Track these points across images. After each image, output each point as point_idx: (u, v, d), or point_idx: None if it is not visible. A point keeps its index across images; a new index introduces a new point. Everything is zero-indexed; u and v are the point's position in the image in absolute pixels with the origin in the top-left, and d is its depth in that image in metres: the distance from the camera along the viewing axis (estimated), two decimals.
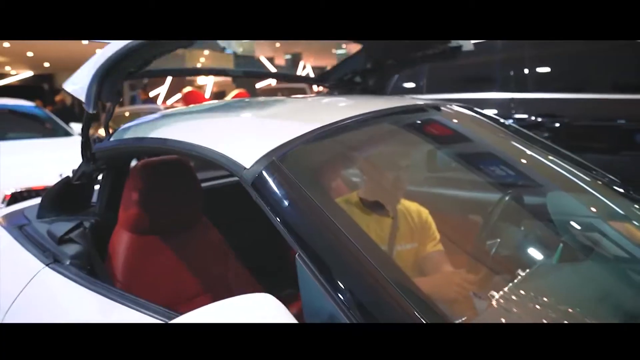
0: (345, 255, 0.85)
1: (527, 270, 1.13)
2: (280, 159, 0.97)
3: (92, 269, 1.29)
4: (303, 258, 0.84)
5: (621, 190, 1.45)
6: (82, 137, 1.45)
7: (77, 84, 1.32)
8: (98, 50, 1.34)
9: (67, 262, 1.26)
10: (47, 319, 1.18)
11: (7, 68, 17.32)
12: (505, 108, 3.28)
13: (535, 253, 1.33)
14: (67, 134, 5.18)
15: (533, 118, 3.18)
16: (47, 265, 1.26)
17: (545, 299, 1.01)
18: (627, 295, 1.07)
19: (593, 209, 1.41)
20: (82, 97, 1.28)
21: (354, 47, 1.87)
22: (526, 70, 3.28)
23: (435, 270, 1.36)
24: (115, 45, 1.21)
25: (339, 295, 0.80)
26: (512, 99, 3.27)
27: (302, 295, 0.85)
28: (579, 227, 1.35)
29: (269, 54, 15.35)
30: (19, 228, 1.46)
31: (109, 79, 1.24)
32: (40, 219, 1.53)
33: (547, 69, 3.35)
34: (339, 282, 0.82)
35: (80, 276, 1.21)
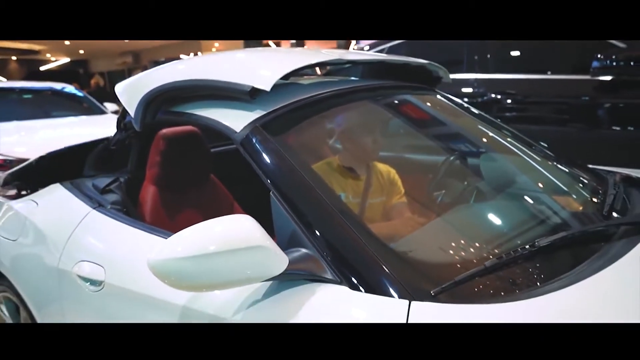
0: (306, 193, 1.02)
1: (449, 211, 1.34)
2: (262, 125, 1.13)
3: (127, 212, 1.46)
4: (275, 195, 1.02)
5: (546, 156, 1.57)
6: (120, 113, 1.61)
7: (127, 96, 1.35)
8: (151, 72, 1.35)
9: (108, 207, 1.43)
10: (95, 248, 1.36)
11: (48, 55, 17.29)
12: (470, 87, 3.42)
13: (466, 199, 1.51)
14: (102, 112, 5.23)
15: (493, 95, 3.33)
16: (93, 208, 1.44)
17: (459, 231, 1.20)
18: (518, 220, 1.24)
19: (514, 166, 1.57)
20: (128, 108, 1.34)
21: None
22: (488, 55, 3.40)
23: (399, 217, 1.50)
24: (163, 77, 1.26)
25: (299, 219, 0.98)
26: (476, 79, 3.41)
27: (274, 220, 1.03)
28: (499, 179, 1.53)
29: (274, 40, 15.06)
30: (70, 182, 1.63)
31: (152, 105, 1.29)
32: (86, 175, 1.71)
33: (505, 54, 3.44)
34: (300, 210, 0.99)
35: (119, 216, 1.37)
